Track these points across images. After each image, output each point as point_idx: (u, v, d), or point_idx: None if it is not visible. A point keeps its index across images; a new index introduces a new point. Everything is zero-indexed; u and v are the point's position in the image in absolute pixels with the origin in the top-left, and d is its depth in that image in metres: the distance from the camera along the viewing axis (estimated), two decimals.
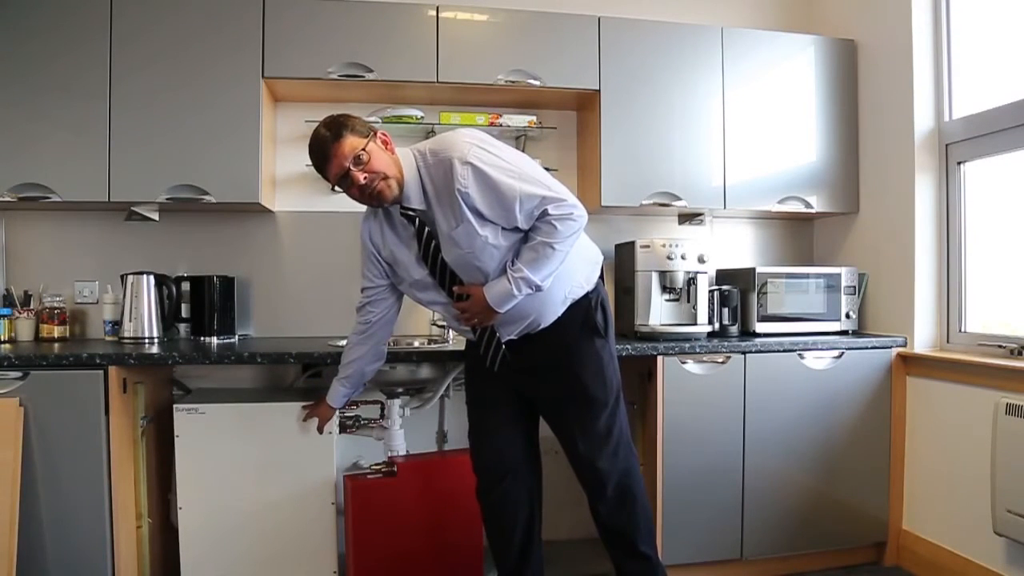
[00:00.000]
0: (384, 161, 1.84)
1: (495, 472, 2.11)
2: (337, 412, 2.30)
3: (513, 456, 2.11)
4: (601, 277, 2.08)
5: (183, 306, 2.71)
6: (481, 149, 1.81)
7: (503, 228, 1.85)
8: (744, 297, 2.86)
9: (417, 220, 1.91)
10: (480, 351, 2.05)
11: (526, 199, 1.81)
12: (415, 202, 1.88)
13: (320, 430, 2.27)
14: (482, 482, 2.15)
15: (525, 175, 1.83)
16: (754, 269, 2.85)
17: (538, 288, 1.86)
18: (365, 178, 1.82)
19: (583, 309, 1.99)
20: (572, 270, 1.95)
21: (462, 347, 2.49)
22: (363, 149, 1.81)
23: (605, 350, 2.02)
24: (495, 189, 1.80)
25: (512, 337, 1.99)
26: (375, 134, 1.86)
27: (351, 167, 1.81)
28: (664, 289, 2.74)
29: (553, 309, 1.96)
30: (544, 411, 2.11)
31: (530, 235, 1.86)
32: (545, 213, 1.82)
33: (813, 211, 2.99)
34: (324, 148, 1.82)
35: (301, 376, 2.74)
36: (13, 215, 2.70)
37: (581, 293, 1.99)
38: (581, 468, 2.05)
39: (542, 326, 1.97)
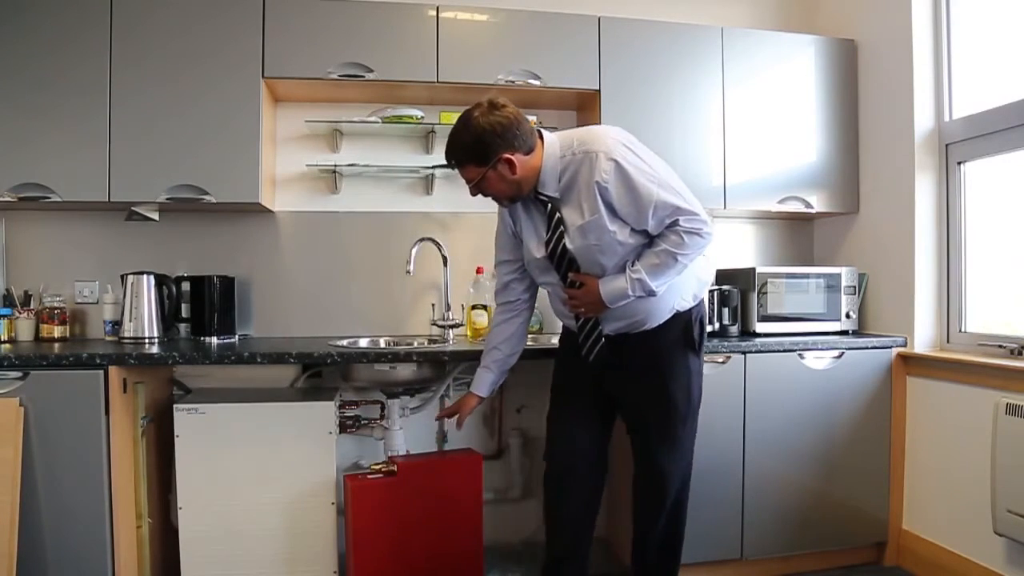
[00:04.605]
0: (501, 186, 1.91)
1: (567, 460, 2.11)
2: (337, 411, 2.29)
3: (586, 449, 2.11)
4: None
5: (183, 306, 2.71)
6: (627, 148, 1.87)
7: (632, 228, 1.88)
8: (744, 297, 2.86)
9: (549, 205, 1.94)
10: (579, 339, 2.06)
11: (661, 206, 1.84)
12: (550, 189, 1.93)
13: (459, 425, 2.22)
14: (552, 468, 2.14)
15: (664, 182, 1.86)
16: (754, 269, 2.85)
17: (651, 293, 1.90)
18: (478, 194, 1.95)
19: (684, 322, 2.03)
20: (685, 283, 2.00)
21: (462, 347, 2.50)
22: (479, 180, 1.90)
23: (696, 365, 2.06)
24: (633, 189, 1.83)
25: (611, 333, 2.02)
26: (499, 160, 1.86)
27: (469, 185, 1.94)
28: None
29: (659, 315, 1.99)
30: (624, 410, 2.11)
31: (656, 241, 1.90)
32: (676, 223, 1.86)
33: (813, 211, 2.99)
34: (450, 162, 1.94)
35: (301, 376, 2.74)
36: (13, 215, 2.69)
37: (687, 306, 2.03)
38: (647, 472, 2.08)
39: (645, 328, 2.00)
